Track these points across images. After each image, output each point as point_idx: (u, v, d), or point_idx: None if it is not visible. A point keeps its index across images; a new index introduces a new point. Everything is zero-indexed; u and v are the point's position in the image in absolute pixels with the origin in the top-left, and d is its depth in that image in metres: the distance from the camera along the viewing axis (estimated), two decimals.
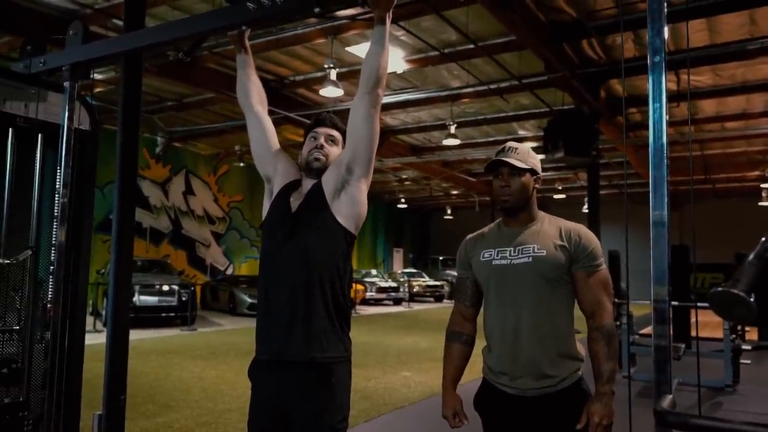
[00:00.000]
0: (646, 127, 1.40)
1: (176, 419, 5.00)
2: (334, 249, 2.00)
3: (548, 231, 2.03)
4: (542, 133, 11.44)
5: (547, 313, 1.96)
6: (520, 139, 15.13)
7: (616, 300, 7.63)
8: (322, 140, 2.11)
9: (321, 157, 2.09)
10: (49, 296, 2.38)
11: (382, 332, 11.97)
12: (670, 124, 1.30)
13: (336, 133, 2.15)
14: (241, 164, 17.95)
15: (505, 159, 2.02)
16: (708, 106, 12.41)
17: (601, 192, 14.75)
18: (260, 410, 2.02)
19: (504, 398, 2.01)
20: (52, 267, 2.31)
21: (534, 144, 14.83)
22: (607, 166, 16.76)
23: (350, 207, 2.02)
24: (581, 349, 2.02)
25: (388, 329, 12.61)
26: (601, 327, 1.93)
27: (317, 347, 1.93)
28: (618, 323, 7.48)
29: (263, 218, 2.15)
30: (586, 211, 14.35)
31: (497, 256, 2.04)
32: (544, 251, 1.97)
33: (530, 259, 1.97)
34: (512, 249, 2.02)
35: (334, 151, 2.12)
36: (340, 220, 2.00)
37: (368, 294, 19.94)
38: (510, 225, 2.09)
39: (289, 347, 1.94)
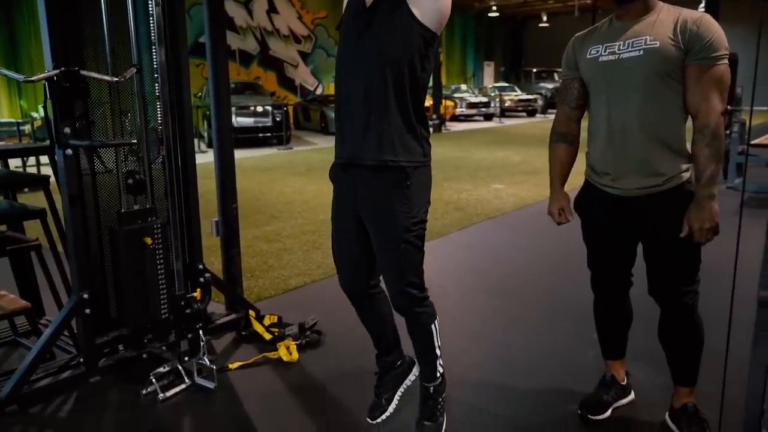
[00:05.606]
0: None
1: (282, 228, 5.44)
2: (411, 46, 1.86)
3: (664, 21, 1.84)
4: None
5: (659, 109, 1.84)
6: None
7: (728, 107, 7.09)
8: None
9: None
10: (158, 118, 2.51)
11: (473, 147, 11.96)
12: None
13: None
14: None
15: None
16: None
17: None
18: (339, 210, 2.09)
19: (605, 198, 1.99)
20: (157, 85, 2.40)
21: None
22: None
23: (430, 0, 1.85)
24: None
25: (478, 144, 12.57)
26: (705, 127, 1.80)
27: (391, 150, 1.89)
28: (728, 132, 7.02)
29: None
30: (703, 9, 12.85)
31: (605, 51, 1.91)
32: (657, 42, 1.81)
33: (641, 52, 1.83)
34: (622, 43, 1.88)
35: None
36: (417, 15, 1.84)
37: (458, 110, 19.65)
38: (622, 18, 1.92)
39: (364, 150, 1.92)
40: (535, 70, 24.81)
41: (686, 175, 1.89)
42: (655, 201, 1.89)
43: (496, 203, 6.42)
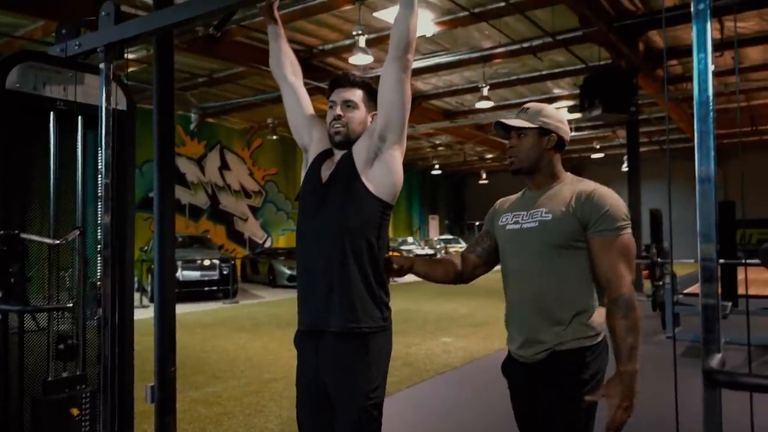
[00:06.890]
0: (688, 80, 1.35)
1: (224, 389, 5.16)
2: (367, 219, 1.97)
3: (563, 194, 1.87)
4: (578, 91, 11.14)
5: (553, 282, 1.82)
6: (555, 99, 14.80)
7: (659, 260, 7.50)
8: (338, 110, 2.04)
9: (340, 129, 2.03)
10: (98, 274, 2.45)
11: (421, 299, 12.04)
12: (714, 74, 1.22)
13: (355, 93, 2.06)
14: (274, 137, 18.05)
15: (502, 121, 1.97)
16: (754, 54, 11.86)
17: (642, 149, 14.39)
18: (303, 378, 2.07)
19: (516, 365, 1.96)
20: (99, 246, 2.37)
21: (570, 102, 14.46)
22: (646, 122, 16.30)
23: (384, 176, 1.98)
24: (601, 318, 1.85)
25: (426, 296, 12.67)
26: (618, 299, 1.74)
27: (353, 317, 1.92)
28: (661, 283, 7.35)
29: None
30: (626, 169, 14.04)
31: (511, 220, 1.96)
32: (551, 215, 1.84)
33: (537, 223, 1.86)
34: (525, 213, 1.93)
35: (355, 116, 2.05)
36: (371, 189, 1.97)
37: None
38: (531, 188, 2.00)
39: (326, 317, 1.95)
40: (477, 223, 25.97)
41: (578, 343, 1.82)
42: (544, 365, 1.84)
43: (444, 357, 6.33)
